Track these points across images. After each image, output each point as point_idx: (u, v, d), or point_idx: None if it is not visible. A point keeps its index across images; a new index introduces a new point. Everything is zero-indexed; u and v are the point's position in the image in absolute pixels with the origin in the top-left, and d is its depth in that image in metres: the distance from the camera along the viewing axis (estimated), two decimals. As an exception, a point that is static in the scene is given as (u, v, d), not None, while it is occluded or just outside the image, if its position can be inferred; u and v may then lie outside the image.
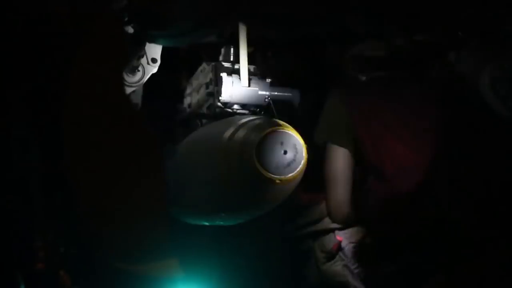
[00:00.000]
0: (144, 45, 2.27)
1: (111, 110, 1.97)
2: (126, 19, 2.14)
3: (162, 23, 2.11)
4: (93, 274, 2.10)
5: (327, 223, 2.34)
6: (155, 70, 2.35)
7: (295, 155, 1.67)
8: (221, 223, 1.96)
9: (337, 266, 2.30)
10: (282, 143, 1.66)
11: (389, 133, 2.10)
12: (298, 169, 1.67)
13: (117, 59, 2.07)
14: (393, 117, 2.12)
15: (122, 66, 2.23)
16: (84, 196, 1.93)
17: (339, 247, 2.31)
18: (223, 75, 2.04)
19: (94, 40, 1.96)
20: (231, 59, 2.15)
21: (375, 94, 2.20)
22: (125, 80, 2.30)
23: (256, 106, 2.09)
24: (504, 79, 2.14)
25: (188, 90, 2.35)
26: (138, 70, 2.33)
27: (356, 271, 2.27)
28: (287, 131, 1.67)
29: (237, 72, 2.05)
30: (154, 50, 2.32)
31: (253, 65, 2.11)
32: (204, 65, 2.21)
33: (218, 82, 2.05)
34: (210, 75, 2.11)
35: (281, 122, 1.71)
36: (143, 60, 2.32)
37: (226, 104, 2.05)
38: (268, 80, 2.08)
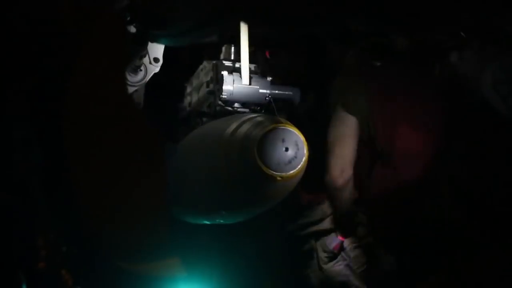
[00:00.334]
0: (146, 44, 2.28)
1: (113, 110, 1.98)
2: (128, 18, 2.15)
3: (164, 23, 2.12)
4: (95, 273, 2.09)
5: (329, 223, 2.35)
6: (157, 69, 2.35)
7: (296, 152, 1.66)
8: (222, 221, 1.95)
9: (339, 266, 2.30)
10: (283, 140, 1.65)
11: (400, 121, 2.12)
12: (299, 166, 1.66)
13: (119, 59, 2.09)
14: (404, 107, 2.14)
15: (124, 66, 2.24)
16: (86, 195, 1.94)
17: (341, 247, 2.32)
18: (224, 73, 2.04)
19: (96, 40, 1.97)
20: (232, 57, 2.16)
21: (391, 82, 2.21)
22: (127, 80, 2.31)
23: (257, 104, 2.09)
24: (506, 79, 2.14)
25: (188, 89, 2.35)
26: (140, 70, 2.33)
27: (358, 271, 2.27)
28: (288, 128, 1.66)
29: (238, 70, 2.05)
30: (156, 50, 2.33)
31: (254, 63, 2.11)
32: (205, 63, 2.21)
33: (219, 80, 2.05)
34: (211, 74, 2.11)
35: (283, 120, 1.71)
36: (145, 60, 2.32)
37: (226, 102, 2.05)
38: (269, 79, 2.08)
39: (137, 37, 2.20)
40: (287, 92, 2.14)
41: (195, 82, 2.29)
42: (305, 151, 1.68)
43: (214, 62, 2.14)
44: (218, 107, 2.06)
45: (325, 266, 2.31)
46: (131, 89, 2.33)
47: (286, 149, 1.65)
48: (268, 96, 2.07)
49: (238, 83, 2.04)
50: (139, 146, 1.98)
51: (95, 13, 1.98)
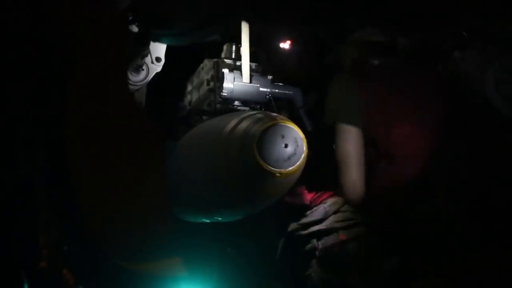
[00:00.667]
0: (149, 44, 2.29)
1: (115, 110, 1.99)
2: (130, 18, 2.16)
3: (166, 22, 2.13)
4: (96, 273, 2.09)
5: (330, 222, 2.34)
6: (159, 69, 2.36)
7: (295, 149, 1.66)
8: (220, 219, 1.94)
9: (340, 265, 2.28)
10: (283, 137, 1.65)
11: (401, 118, 2.11)
12: (298, 163, 1.66)
13: (121, 58, 2.09)
14: (404, 107, 2.13)
15: (126, 65, 2.25)
16: (87, 194, 1.94)
17: (342, 247, 2.30)
18: (225, 71, 2.05)
19: (98, 39, 1.98)
20: (233, 56, 2.17)
21: (387, 80, 2.21)
22: (129, 79, 2.32)
23: (257, 102, 2.09)
24: (508, 79, 2.14)
25: (188, 88, 2.36)
26: (142, 69, 2.34)
27: (359, 270, 2.25)
28: (288, 125, 1.66)
29: (238, 68, 2.06)
30: (158, 49, 2.34)
31: (255, 62, 2.12)
32: (205, 61, 2.22)
33: (219, 78, 2.06)
34: (212, 72, 2.12)
35: (282, 116, 1.71)
36: (147, 59, 2.33)
37: (227, 100, 2.05)
38: (270, 77, 2.09)
39: (139, 37, 2.21)
40: (287, 91, 2.15)
41: (195, 80, 2.29)
42: (305, 148, 1.67)
43: (215, 60, 2.15)
44: (218, 105, 2.07)
45: (326, 266, 2.30)
46: (133, 89, 2.34)
47: (286, 146, 1.65)
48: (268, 94, 2.07)
49: (239, 81, 2.05)
50: (141, 146, 1.98)
51: (97, 12, 1.99)
